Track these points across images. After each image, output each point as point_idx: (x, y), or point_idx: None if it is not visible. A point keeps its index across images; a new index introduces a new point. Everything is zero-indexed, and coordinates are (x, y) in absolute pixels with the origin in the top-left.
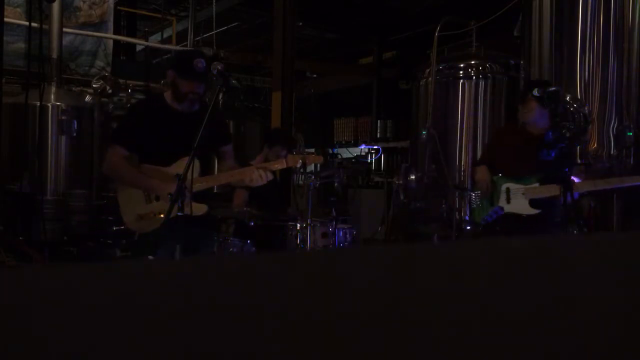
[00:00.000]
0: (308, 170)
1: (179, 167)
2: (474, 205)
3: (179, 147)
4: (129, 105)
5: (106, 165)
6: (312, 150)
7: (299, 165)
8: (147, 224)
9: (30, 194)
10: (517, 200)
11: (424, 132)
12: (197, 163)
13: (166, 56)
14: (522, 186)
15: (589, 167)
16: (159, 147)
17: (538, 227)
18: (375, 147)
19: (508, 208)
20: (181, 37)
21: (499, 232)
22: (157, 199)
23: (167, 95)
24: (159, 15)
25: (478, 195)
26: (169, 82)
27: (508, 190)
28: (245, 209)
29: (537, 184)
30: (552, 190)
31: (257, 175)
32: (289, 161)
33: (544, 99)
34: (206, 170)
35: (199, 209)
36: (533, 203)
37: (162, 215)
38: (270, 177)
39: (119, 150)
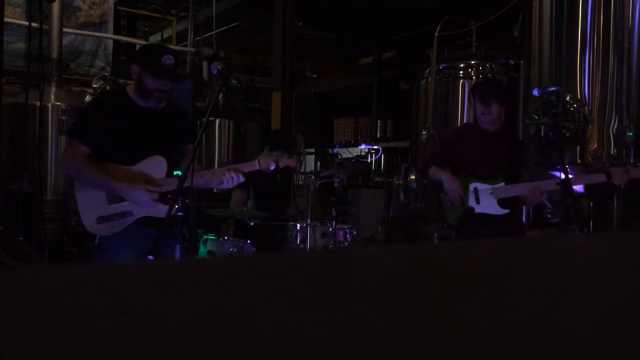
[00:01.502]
0: (308, 170)
1: (144, 167)
2: (445, 206)
3: (144, 146)
4: (90, 100)
5: (67, 164)
6: (312, 150)
7: (272, 168)
8: (109, 226)
9: (30, 194)
10: (486, 200)
11: (424, 132)
12: (164, 162)
13: (138, 48)
14: (489, 186)
15: (588, 167)
16: (123, 145)
17: (508, 227)
18: (375, 147)
19: (478, 208)
20: (181, 37)
21: (472, 233)
22: (121, 200)
23: (130, 90)
24: (159, 15)
25: (448, 198)
26: (134, 77)
27: (476, 190)
28: (245, 208)
29: (502, 183)
30: (519, 189)
31: (228, 177)
32: (261, 163)
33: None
34: (172, 171)
35: (164, 209)
36: (501, 203)
37: (126, 217)
38: (242, 179)
39: (80, 148)
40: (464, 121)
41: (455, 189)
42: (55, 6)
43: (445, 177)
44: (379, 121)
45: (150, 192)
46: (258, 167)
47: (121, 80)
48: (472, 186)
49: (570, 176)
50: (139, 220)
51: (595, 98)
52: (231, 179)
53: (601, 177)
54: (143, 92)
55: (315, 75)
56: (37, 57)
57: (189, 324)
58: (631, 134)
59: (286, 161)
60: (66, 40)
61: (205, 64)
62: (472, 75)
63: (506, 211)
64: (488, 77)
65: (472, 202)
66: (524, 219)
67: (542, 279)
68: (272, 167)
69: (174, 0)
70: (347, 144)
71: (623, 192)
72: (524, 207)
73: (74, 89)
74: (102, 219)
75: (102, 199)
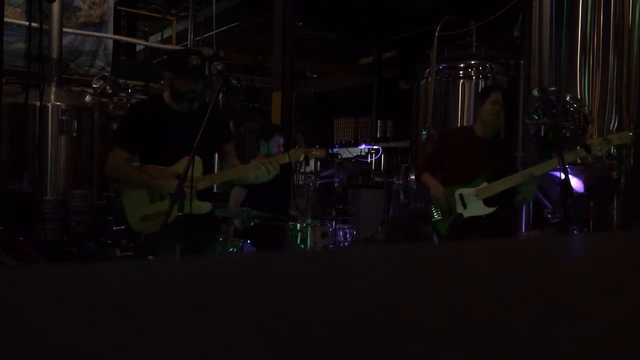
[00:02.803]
0: (308, 170)
1: (181, 166)
2: (434, 217)
3: (180, 147)
4: (128, 106)
5: (109, 168)
6: None
7: (301, 159)
8: (152, 224)
9: (30, 194)
10: (472, 203)
11: (424, 132)
12: (199, 162)
13: (165, 57)
14: (473, 189)
15: (588, 167)
16: (160, 147)
17: (498, 224)
18: (375, 147)
19: (466, 213)
20: (181, 37)
21: (464, 239)
22: (162, 198)
23: (166, 96)
24: (159, 15)
25: (437, 208)
26: (166, 83)
27: (461, 196)
28: (245, 208)
29: (486, 183)
30: (500, 185)
31: (264, 170)
32: (291, 155)
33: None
34: (208, 169)
35: (204, 207)
36: (487, 202)
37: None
38: (277, 171)
39: (120, 153)
40: (464, 121)
41: (440, 192)
42: (55, 6)
43: (431, 184)
44: (379, 121)
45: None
46: (289, 160)
47: (121, 80)
48: (457, 194)
49: (569, 176)
50: (179, 218)
51: (595, 98)
52: (266, 172)
53: (581, 152)
54: (176, 95)
55: (315, 75)
56: (37, 57)
57: (189, 323)
58: (631, 134)
59: (316, 152)
60: (66, 40)
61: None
62: (472, 75)
63: (493, 209)
64: (498, 82)
65: (459, 209)
66: (523, 218)
67: (542, 279)
68: (302, 159)
69: (174, 0)
70: (347, 144)
71: (623, 192)
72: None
73: (74, 89)
74: (144, 218)
75: (145, 198)
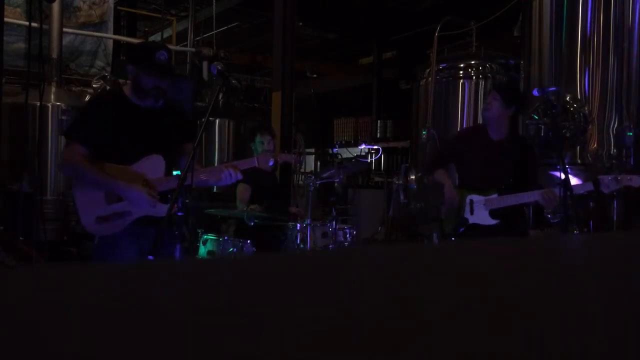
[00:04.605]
0: (308, 170)
1: (142, 166)
2: (442, 216)
3: (141, 145)
4: (87, 100)
5: (65, 164)
6: (312, 150)
7: (271, 164)
8: (107, 226)
9: (30, 194)
10: (479, 211)
11: (424, 132)
12: (162, 162)
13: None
14: (483, 197)
15: (588, 167)
16: (120, 144)
17: (501, 236)
18: (375, 147)
19: (472, 219)
20: (181, 37)
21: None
22: (120, 199)
23: (127, 90)
24: (159, 15)
25: (445, 207)
26: (130, 77)
27: (471, 202)
28: (245, 208)
29: (495, 195)
30: (508, 200)
31: (226, 173)
32: (260, 160)
33: (504, 91)
34: (171, 170)
35: (163, 209)
36: (493, 213)
37: (125, 217)
38: (240, 176)
39: (77, 148)
40: (464, 121)
41: (454, 197)
42: (55, 6)
43: (447, 185)
44: (379, 121)
45: (151, 196)
46: (257, 164)
47: (121, 80)
48: (468, 198)
49: (569, 176)
50: (138, 220)
51: (595, 98)
52: (229, 175)
53: (588, 186)
54: (139, 91)
55: (315, 75)
56: (37, 57)
57: (189, 324)
58: (631, 134)
59: (285, 157)
60: (66, 40)
61: (205, 64)
62: (472, 75)
63: (496, 221)
64: (511, 78)
65: (467, 213)
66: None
67: (542, 278)
68: (271, 163)
69: (174, 0)
70: (347, 144)
71: (623, 193)
72: (528, 213)
73: (74, 89)
74: (100, 219)
75: (100, 199)
